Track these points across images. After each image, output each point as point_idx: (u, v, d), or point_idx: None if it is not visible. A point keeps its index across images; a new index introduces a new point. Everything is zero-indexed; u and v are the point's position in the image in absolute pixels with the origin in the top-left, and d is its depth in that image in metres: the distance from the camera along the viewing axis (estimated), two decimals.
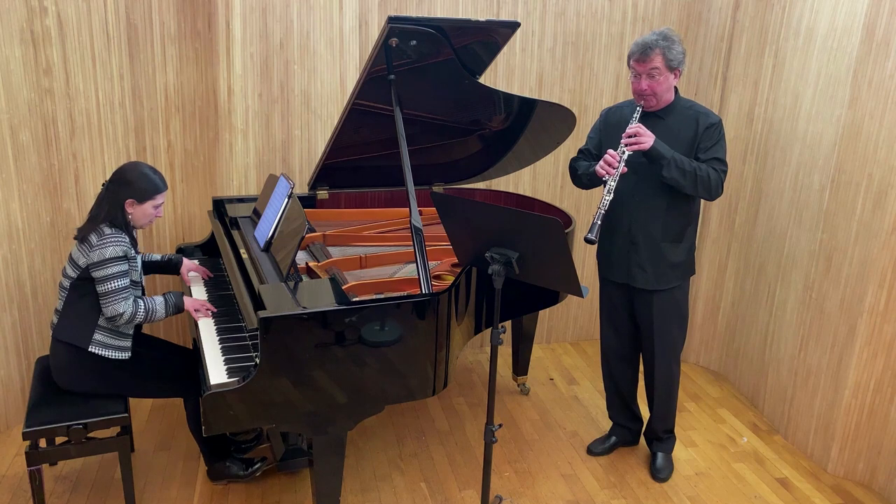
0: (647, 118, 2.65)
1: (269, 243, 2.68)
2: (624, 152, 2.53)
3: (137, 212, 2.47)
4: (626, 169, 2.53)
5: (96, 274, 2.38)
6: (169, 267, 2.89)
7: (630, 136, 2.53)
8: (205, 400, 2.12)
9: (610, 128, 2.79)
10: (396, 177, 2.66)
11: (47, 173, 3.08)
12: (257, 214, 2.94)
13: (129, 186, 2.44)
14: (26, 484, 2.70)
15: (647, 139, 2.53)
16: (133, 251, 2.48)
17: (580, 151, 2.92)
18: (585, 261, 4.10)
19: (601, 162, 2.57)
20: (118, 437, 2.48)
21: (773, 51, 3.36)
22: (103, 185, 2.50)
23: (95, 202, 2.49)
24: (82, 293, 2.43)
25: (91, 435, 2.44)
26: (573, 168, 2.87)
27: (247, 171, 3.39)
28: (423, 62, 2.66)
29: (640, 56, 2.55)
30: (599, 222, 2.43)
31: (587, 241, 2.40)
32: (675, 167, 2.54)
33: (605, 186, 2.52)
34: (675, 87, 2.68)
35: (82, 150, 3.15)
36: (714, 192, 2.62)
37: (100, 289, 2.39)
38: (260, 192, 3.17)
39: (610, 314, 3.00)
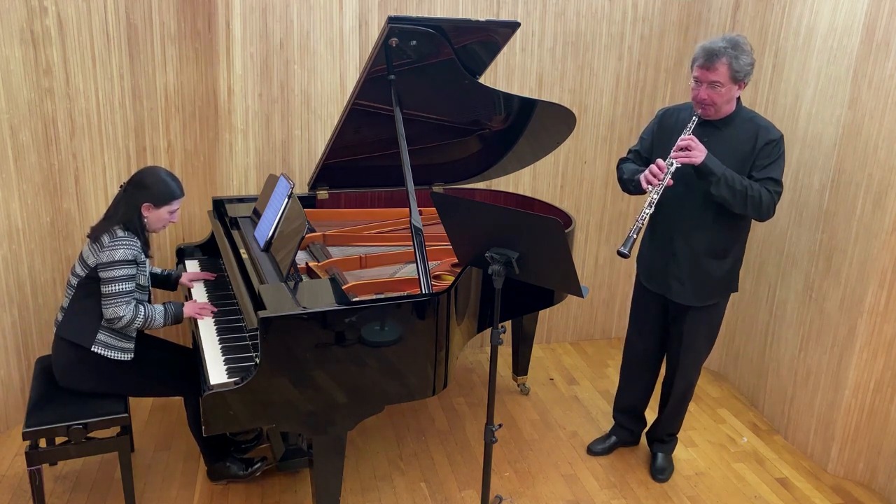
0: (703, 127, 2.52)
1: (269, 243, 2.68)
2: (672, 164, 2.42)
3: (153, 216, 2.49)
4: (671, 182, 2.41)
5: (103, 274, 2.38)
6: (168, 283, 2.88)
7: (681, 149, 2.42)
8: (204, 400, 2.12)
9: (664, 132, 2.67)
10: (396, 177, 2.66)
11: (47, 173, 3.08)
12: (257, 214, 2.94)
13: (147, 191, 2.46)
14: (26, 484, 2.70)
15: (699, 154, 2.40)
16: (143, 256, 2.49)
17: (630, 151, 2.82)
18: (585, 261, 4.10)
19: (647, 172, 2.46)
20: (118, 437, 2.48)
21: (773, 51, 3.36)
22: (121, 186, 2.52)
23: (112, 203, 2.51)
24: (89, 292, 2.44)
25: (91, 435, 2.44)
26: (620, 169, 2.77)
27: (247, 171, 3.39)
28: (423, 62, 2.66)
29: (705, 62, 2.39)
30: (635, 236, 2.34)
31: (620, 254, 2.33)
32: (724, 185, 2.42)
33: (646, 198, 2.42)
34: (738, 97, 2.54)
35: (82, 150, 3.15)
36: (765, 213, 2.49)
37: (104, 289, 2.39)
38: (260, 192, 3.17)
39: (639, 319, 2.95)
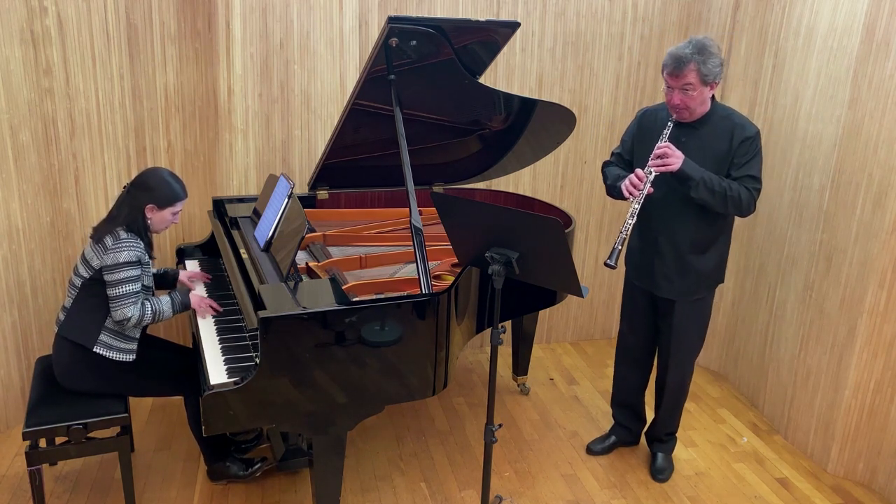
0: (679, 128, 2.56)
1: (269, 243, 2.68)
2: (651, 172, 2.45)
3: (156, 217, 2.49)
4: (651, 190, 2.45)
5: (108, 277, 2.38)
6: (165, 281, 2.86)
7: (657, 157, 2.45)
8: (204, 400, 2.12)
9: (643, 134, 2.70)
10: (396, 177, 2.66)
11: (47, 173, 3.08)
12: (257, 214, 2.94)
13: (151, 192, 2.46)
14: (26, 484, 2.70)
15: (675, 161, 2.43)
16: (147, 256, 2.49)
17: (613, 154, 2.86)
18: (585, 261, 4.10)
19: (626, 182, 2.50)
20: (118, 437, 2.48)
21: (773, 51, 3.36)
22: (124, 187, 2.52)
23: (115, 204, 2.51)
24: (92, 293, 2.44)
25: (91, 435, 2.44)
26: (604, 174, 2.81)
27: (247, 171, 3.39)
28: (423, 62, 2.66)
29: (673, 70, 2.42)
30: (620, 247, 2.38)
31: (607, 266, 2.36)
32: (703, 189, 2.45)
33: (628, 209, 2.45)
34: (713, 95, 2.56)
35: (82, 150, 3.15)
36: (745, 211, 2.53)
37: (110, 292, 2.39)
38: (260, 192, 3.17)
39: (630, 315, 2.97)
